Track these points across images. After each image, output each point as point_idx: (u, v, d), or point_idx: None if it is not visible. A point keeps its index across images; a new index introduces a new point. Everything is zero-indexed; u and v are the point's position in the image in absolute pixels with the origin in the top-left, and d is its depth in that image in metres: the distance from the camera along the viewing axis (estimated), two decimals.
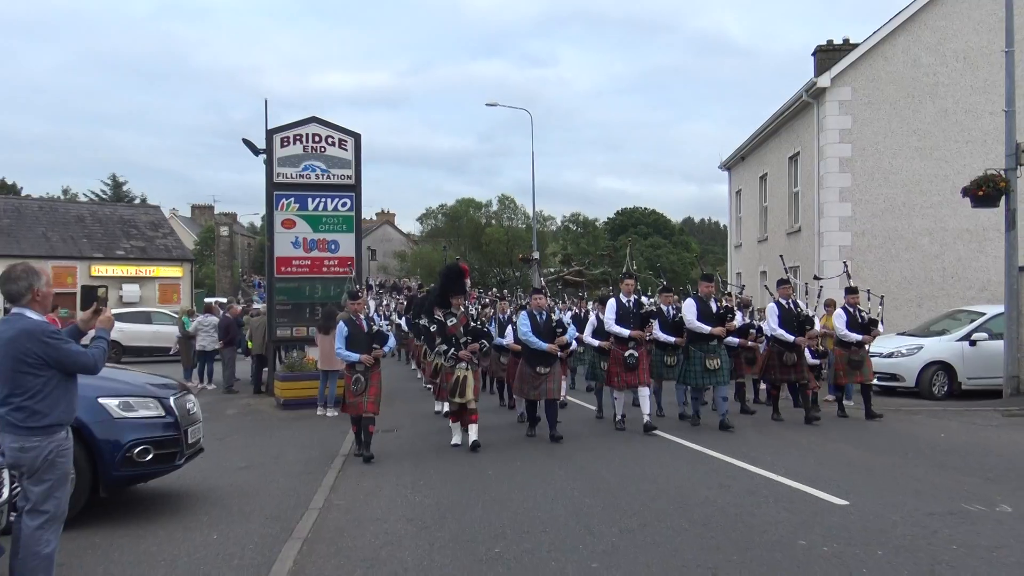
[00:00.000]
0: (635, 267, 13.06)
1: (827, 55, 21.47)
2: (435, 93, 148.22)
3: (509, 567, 5.09)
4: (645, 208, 73.32)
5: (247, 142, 16.62)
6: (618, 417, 10.79)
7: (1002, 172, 13.48)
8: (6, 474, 4.47)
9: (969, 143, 18.33)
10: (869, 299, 12.06)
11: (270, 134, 15.84)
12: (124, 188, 66.11)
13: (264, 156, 15.99)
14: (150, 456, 6.27)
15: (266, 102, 17.89)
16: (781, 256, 12.77)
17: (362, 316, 9.27)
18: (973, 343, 14.14)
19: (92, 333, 4.67)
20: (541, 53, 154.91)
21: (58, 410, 4.37)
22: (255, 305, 25.99)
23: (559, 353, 10.24)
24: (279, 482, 7.85)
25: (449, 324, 9.59)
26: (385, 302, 30.87)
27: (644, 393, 10.54)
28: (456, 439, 9.71)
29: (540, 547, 5.48)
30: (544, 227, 62.93)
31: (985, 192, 13.42)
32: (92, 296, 5.15)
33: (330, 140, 16.12)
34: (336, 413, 12.59)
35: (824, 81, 18.81)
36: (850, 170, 18.86)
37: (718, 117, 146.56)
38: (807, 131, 20.13)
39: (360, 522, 6.23)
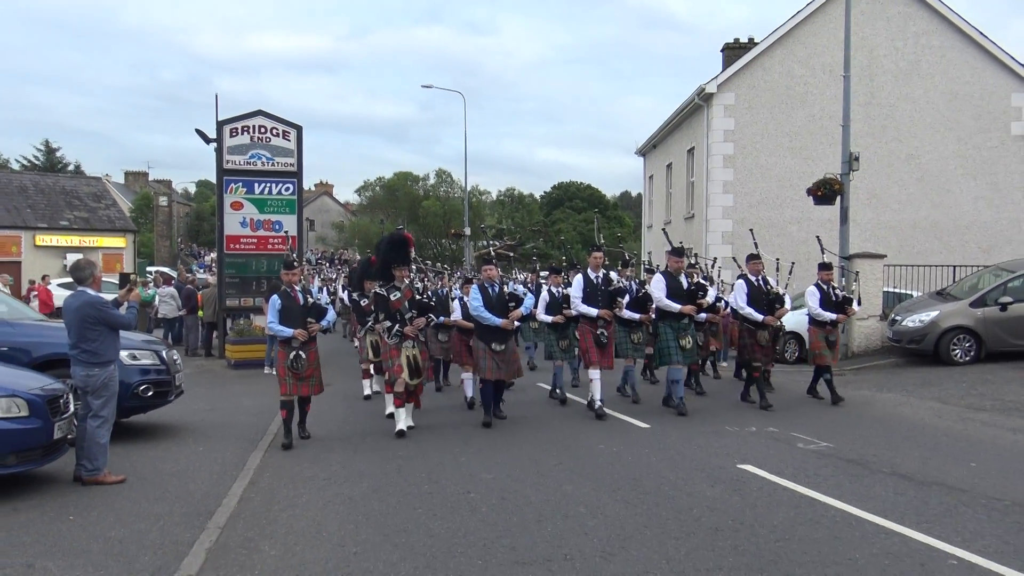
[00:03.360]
0: (602, 240, 12.34)
1: (733, 52, 24.57)
2: (375, 59, 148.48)
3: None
4: (581, 183, 75.62)
5: (199, 132, 18.55)
6: (592, 398, 9.88)
7: (838, 176, 16.37)
8: (72, 396, 6.79)
9: (832, 145, 21.24)
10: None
11: (220, 125, 17.88)
12: (58, 154, 65.95)
13: (215, 145, 18.03)
14: (151, 393, 8.61)
15: (216, 97, 20.04)
16: (751, 230, 11.79)
17: (297, 288, 8.51)
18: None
19: (126, 304, 7.00)
20: (483, 21, 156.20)
21: (109, 351, 6.73)
22: (199, 275, 27.92)
23: (513, 327, 9.46)
24: (240, 418, 10.18)
25: (393, 298, 8.74)
26: (328, 275, 32.64)
27: (595, 375, 9.81)
28: (401, 424, 8.80)
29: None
30: (480, 200, 65.27)
31: (823, 192, 16.30)
32: (126, 279, 7.46)
33: (275, 131, 18.22)
34: None
35: (712, 87, 21.57)
36: (732, 166, 21.73)
37: (659, 91, 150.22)
38: (699, 129, 22.94)
39: (305, 443, 8.64)
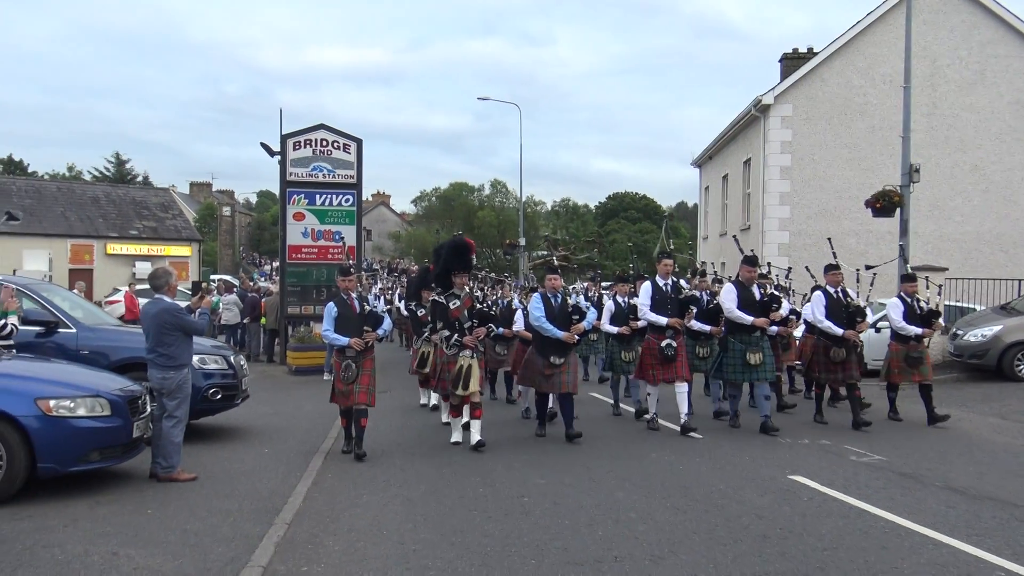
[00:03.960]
0: (672, 247, 11.55)
1: (791, 62, 24.44)
2: (431, 71, 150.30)
3: None
4: (636, 193, 75.33)
5: (264, 145, 19.22)
6: (650, 415, 9.77)
7: (898, 188, 16.18)
8: (149, 397, 7.20)
9: (893, 156, 20.89)
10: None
11: (284, 139, 18.49)
12: (127, 166, 68.42)
13: (279, 157, 18.65)
14: (220, 396, 9.02)
15: (280, 112, 20.64)
16: (829, 239, 11.27)
17: (354, 295, 8.32)
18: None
19: (199, 310, 7.39)
20: (538, 32, 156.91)
21: (184, 356, 7.12)
22: (262, 283, 28.72)
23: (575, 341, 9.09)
24: (302, 422, 10.56)
25: (452, 307, 8.48)
26: (386, 284, 33.18)
27: (683, 390, 9.40)
28: (456, 436, 8.79)
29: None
30: (535, 211, 65.65)
31: (882, 204, 16.12)
32: (198, 287, 7.86)
33: (336, 144, 18.76)
34: None
35: (768, 99, 21.47)
36: (789, 177, 21.58)
37: (715, 101, 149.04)
38: (756, 140, 22.82)
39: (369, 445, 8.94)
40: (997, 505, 6.19)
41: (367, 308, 8.38)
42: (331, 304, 8.34)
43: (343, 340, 8.11)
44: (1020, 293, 16.69)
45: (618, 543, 5.30)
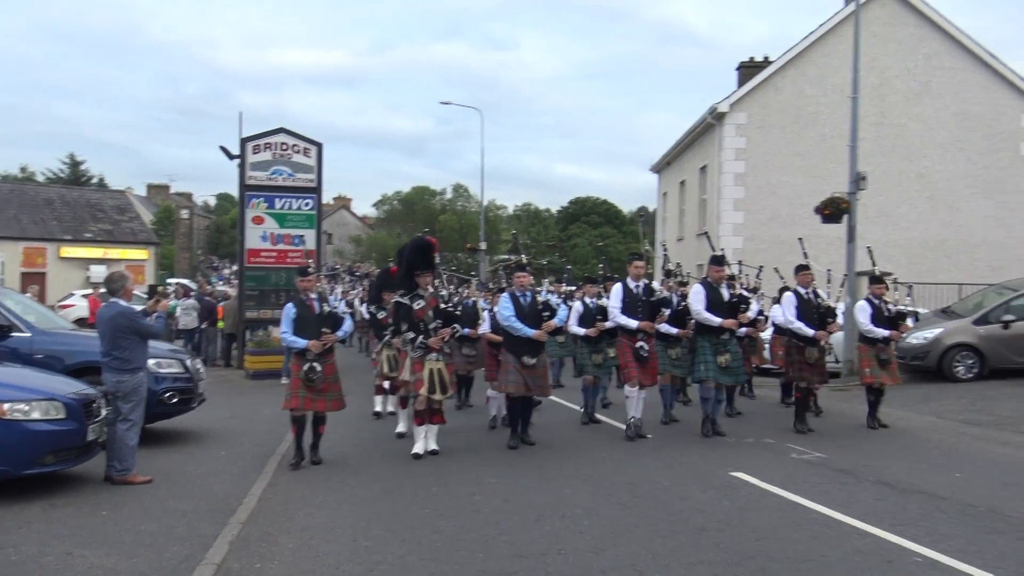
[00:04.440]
0: (648, 247, 11.63)
1: (748, 71, 25.01)
2: (394, 73, 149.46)
3: None
4: (597, 198, 75.88)
5: (223, 149, 19.18)
6: (630, 419, 9.31)
7: (846, 195, 16.68)
8: (104, 401, 7.25)
9: (843, 164, 21.37)
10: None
11: (243, 142, 18.48)
12: (82, 167, 67.24)
13: (238, 161, 18.62)
14: (175, 400, 9.07)
15: (240, 115, 20.56)
16: (800, 239, 11.11)
17: (313, 296, 8.10)
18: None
19: (155, 313, 7.46)
20: (502, 36, 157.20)
21: (139, 359, 7.20)
22: (219, 287, 28.56)
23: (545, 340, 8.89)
24: (259, 426, 10.62)
25: (416, 307, 8.19)
26: (347, 287, 33.13)
27: (638, 394, 9.27)
28: (418, 447, 8.35)
29: None
30: (497, 215, 65.97)
31: (831, 211, 16.63)
32: (154, 291, 7.92)
33: (296, 148, 18.79)
34: None
35: (724, 107, 21.96)
36: (743, 184, 22.08)
37: (677, 106, 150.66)
38: (711, 148, 23.30)
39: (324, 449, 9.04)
40: (923, 498, 6.52)
41: (327, 309, 8.15)
42: (289, 305, 8.08)
43: (301, 342, 7.83)
44: (960, 297, 17.31)
45: (563, 537, 5.52)
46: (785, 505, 6.32)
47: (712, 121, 22.63)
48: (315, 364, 7.84)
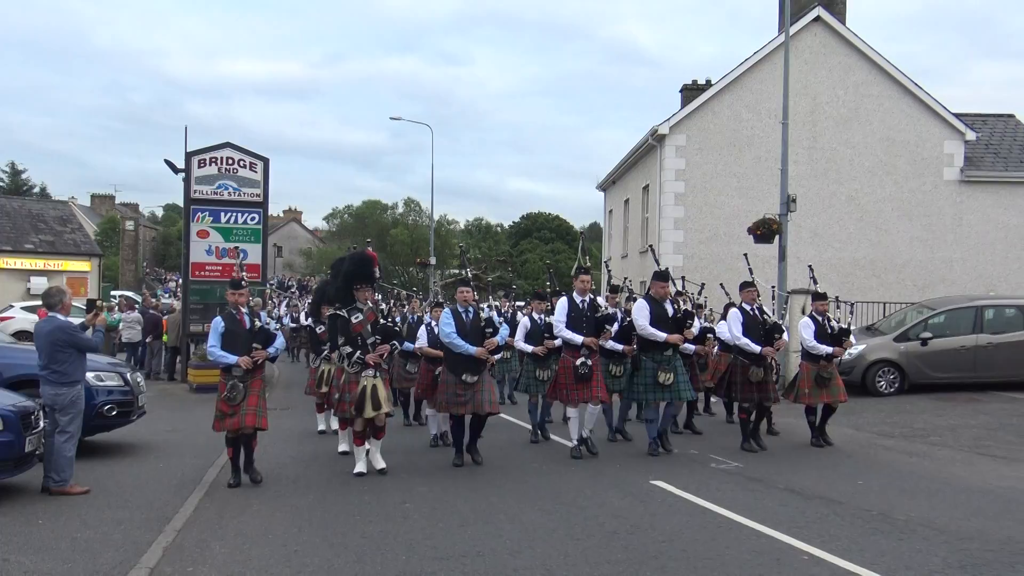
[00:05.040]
0: (587, 262, 11.03)
1: (691, 93, 25.87)
2: (347, 86, 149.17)
3: None
4: (549, 213, 76.54)
5: (168, 162, 19.22)
6: (574, 439, 9.20)
7: (777, 216, 17.41)
8: (42, 413, 7.39)
9: (777, 185, 22.30)
10: (839, 307, 11.53)
11: (189, 156, 18.55)
12: (23, 176, 65.84)
13: (183, 174, 18.67)
14: (115, 412, 9.21)
15: (186, 129, 20.49)
16: (745, 255, 11.15)
17: (244, 310, 7.87)
18: None
19: (93, 327, 7.63)
20: (456, 51, 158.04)
21: (77, 373, 7.37)
22: (164, 300, 28.32)
23: (489, 358, 8.73)
24: (199, 438, 10.72)
25: (354, 320, 7.98)
26: (295, 301, 32.81)
27: (594, 411, 9.22)
28: (360, 466, 8.18)
29: None
30: (448, 229, 66.18)
31: (762, 232, 17.35)
32: (93, 305, 8.09)
33: (242, 163, 18.92)
34: None
35: (664, 129, 22.67)
36: (683, 203, 22.78)
37: (628, 124, 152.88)
38: (653, 168, 24.00)
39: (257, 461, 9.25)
40: (822, 503, 7.03)
41: (258, 324, 7.86)
42: (218, 319, 7.83)
43: (231, 358, 7.61)
44: (884, 315, 18.15)
45: (484, 541, 5.87)
46: (694, 510, 6.76)
47: (653, 143, 23.33)
48: (238, 382, 7.62)
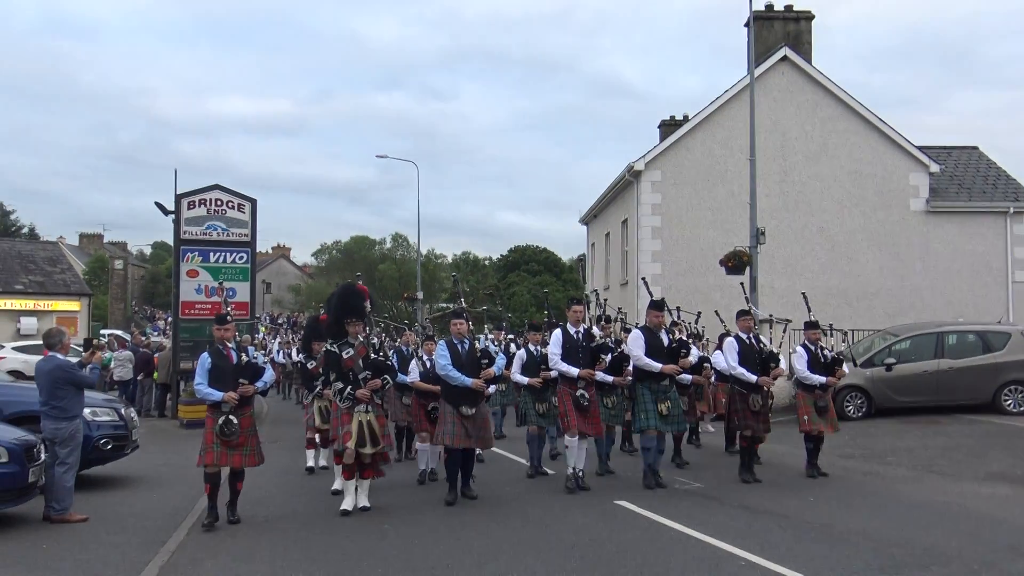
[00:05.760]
0: (586, 290, 11.15)
1: (668, 128, 26.86)
2: (335, 123, 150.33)
3: None
4: (537, 246, 77.27)
5: (159, 204, 19.81)
6: (569, 470, 9.07)
7: (747, 248, 18.13)
8: (43, 446, 7.92)
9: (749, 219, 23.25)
10: (832, 336, 11.44)
11: (178, 199, 19.19)
12: (12, 217, 66.35)
13: (173, 216, 19.28)
14: (110, 446, 9.72)
15: (176, 172, 21.19)
16: (742, 284, 11.07)
17: (231, 345, 7.86)
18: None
19: (90, 365, 8.19)
20: (443, 87, 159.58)
21: (75, 408, 7.94)
22: (154, 338, 28.79)
23: (485, 389, 8.64)
24: (191, 471, 10.99)
25: (345, 356, 7.87)
26: (285, 339, 33.04)
27: (578, 444, 9.01)
28: (347, 503, 8.03)
29: None
30: (436, 264, 66.89)
31: (733, 264, 18.06)
32: (90, 344, 8.66)
33: (230, 204, 19.57)
34: None
35: (640, 165, 23.48)
36: (660, 237, 23.52)
37: (614, 157, 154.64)
38: (631, 202, 24.77)
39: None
40: (770, 517, 7.60)
41: (245, 359, 7.74)
42: (205, 355, 7.78)
43: (217, 395, 7.54)
44: (852, 342, 18.79)
45: (454, 554, 6.42)
46: (650, 525, 7.33)
47: (630, 178, 24.13)
48: (231, 417, 7.56)
